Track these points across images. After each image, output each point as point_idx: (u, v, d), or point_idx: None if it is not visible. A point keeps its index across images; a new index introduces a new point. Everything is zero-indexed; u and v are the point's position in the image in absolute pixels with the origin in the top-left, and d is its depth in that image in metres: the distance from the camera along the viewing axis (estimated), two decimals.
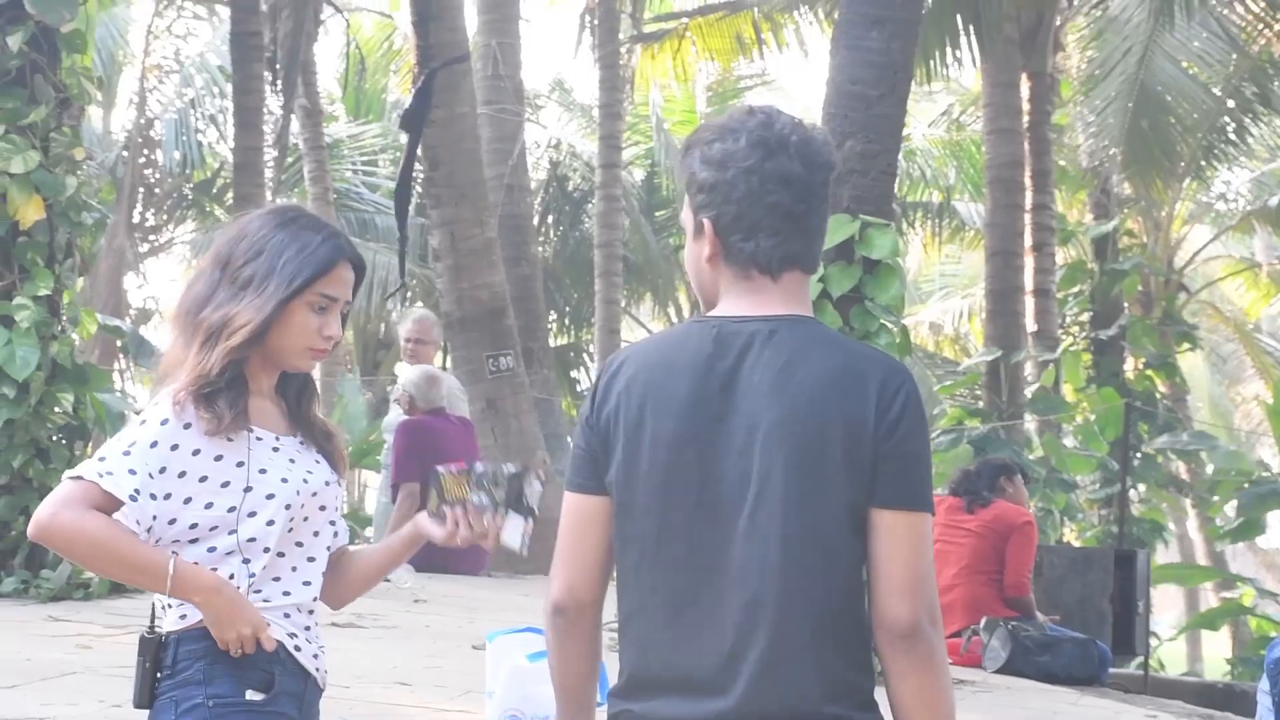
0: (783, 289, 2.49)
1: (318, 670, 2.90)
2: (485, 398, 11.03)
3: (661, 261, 23.21)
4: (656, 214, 23.61)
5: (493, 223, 11.79)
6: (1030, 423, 15.22)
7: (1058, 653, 8.27)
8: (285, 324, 2.84)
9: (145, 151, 20.92)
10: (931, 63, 14.20)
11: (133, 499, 2.74)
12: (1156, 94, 15.13)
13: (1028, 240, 15.30)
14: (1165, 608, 27.22)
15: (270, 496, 2.82)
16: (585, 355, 23.51)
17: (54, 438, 7.46)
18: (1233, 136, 16.25)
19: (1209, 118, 15.78)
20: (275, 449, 2.87)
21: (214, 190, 22.09)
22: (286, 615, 2.85)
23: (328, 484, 2.93)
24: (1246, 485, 14.16)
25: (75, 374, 7.52)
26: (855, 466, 2.39)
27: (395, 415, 9.83)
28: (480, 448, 10.03)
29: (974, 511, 8.49)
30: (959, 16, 13.99)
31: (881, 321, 6.87)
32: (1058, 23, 16.01)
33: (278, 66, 13.70)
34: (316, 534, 2.92)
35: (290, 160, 19.34)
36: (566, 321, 23.55)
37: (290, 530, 2.86)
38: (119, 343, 12.65)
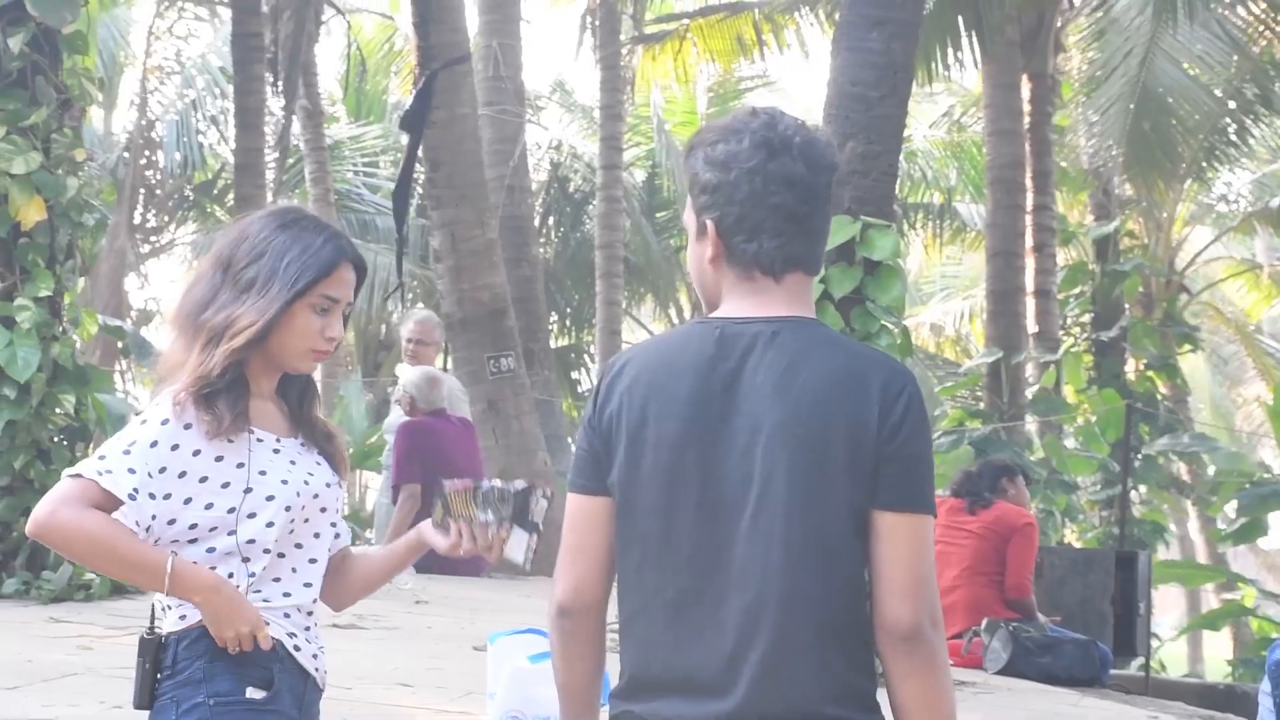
0: (785, 290, 2.49)
1: (317, 670, 2.90)
2: (486, 399, 11.03)
3: (662, 263, 23.21)
4: (657, 215, 23.61)
5: (494, 224, 11.79)
6: (1031, 424, 15.22)
7: (1059, 654, 8.27)
8: (287, 325, 2.85)
9: (146, 153, 20.93)
10: (933, 64, 14.21)
11: (131, 498, 2.74)
12: (1158, 95, 15.12)
13: (1029, 241, 15.31)
14: (1166, 609, 27.22)
15: (270, 498, 2.82)
16: (586, 356, 23.52)
17: (55, 439, 7.46)
18: (1234, 138, 16.24)
19: (1210, 119, 15.78)
20: (276, 451, 2.87)
21: (215, 191, 22.10)
22: (286, 615, 2.85)
23: (329, 486, 2.93)
24: (1247, 486, 14.15)
25: (76, 375, 7.52)
26: (857, 468, 2.39)
27: (396, 416, 9.83)
28: (481, 449, 10.02)
29: (975, 513, 8.49)
30: (960, 18, 13.99)
31: (882, 323, 6.86)
32: (1058, 24, 16.02)
33: (279, 68, 13.71)
34: (318, 535, 2.92)
35: (291, 161, 19.35)
36: (567, 323, 23.55)
37: (291, 532, 2.86)
38: (120, 344, 12.65)
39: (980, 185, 19.84)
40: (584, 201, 22.97)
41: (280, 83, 13.93)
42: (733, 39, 16.93)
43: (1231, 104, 16.01)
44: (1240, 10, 15.10)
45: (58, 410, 7.46)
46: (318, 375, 3.09)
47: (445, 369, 11.12)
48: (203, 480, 2.79)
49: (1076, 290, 16.56)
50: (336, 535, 2.97)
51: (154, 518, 2.76)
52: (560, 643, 2.54)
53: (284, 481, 2.84)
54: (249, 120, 13.54)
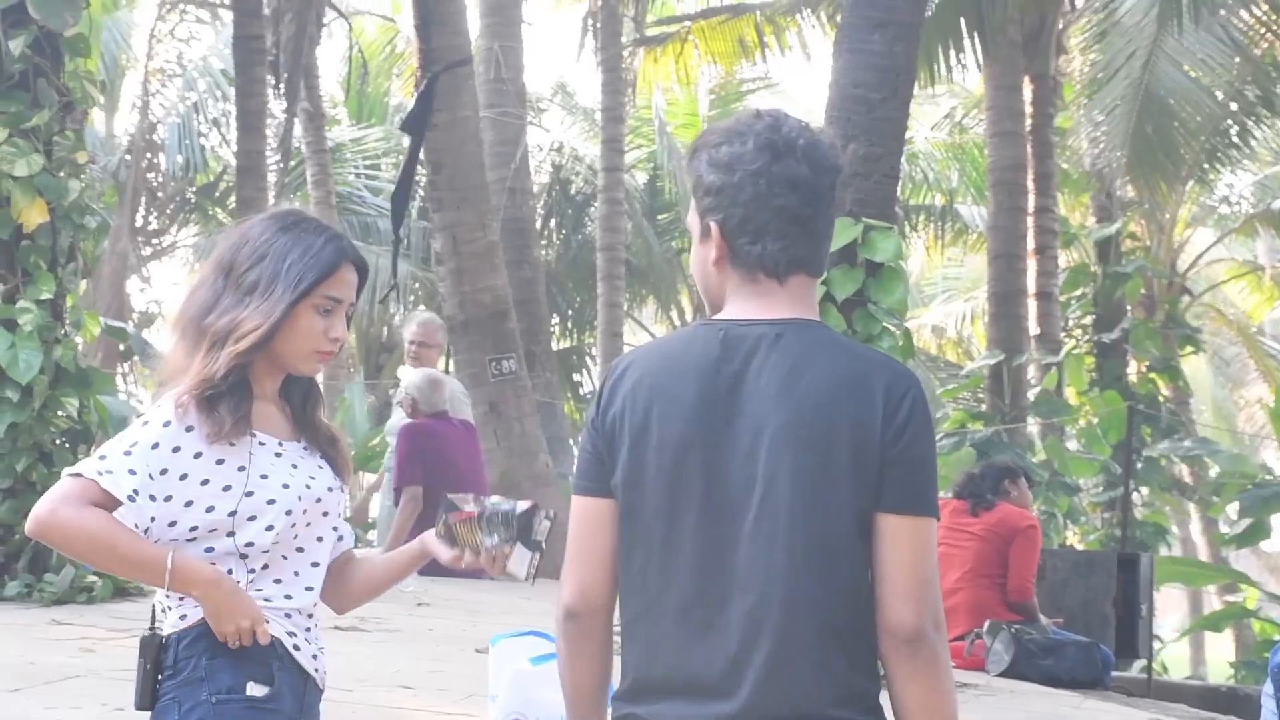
0: (789, 292, 2.49)
1: (317, 671, 2.90)
2: (488, 401, 11.03)
3: (664, 264, 23.21)
4: (659, 217, 23.61)
5: (495, 226, 11.80)
6: (1033, 426, 15.22)
7: (1061, 656, 8.26)
8: (291, 327, 2.84)
9: (148, 155, 20.94)
10: (934, 66, 14.22)
11: (131, 499, 2.74)
12: (1160, 98, 15.12)
13: (1030, 243, 15.32)
14: (1168, 611, 27.21)
15: (271, 502, 2.82)
16: (588, 358, 23.52)
17: (57, 441, 7.47)
18: (1236, 140, 16.24)
19: (1212, 121, 15.77)
20: (278, 454, 2.87)
21: (217, 194, 22.11)
22: (287, 616, 2.85)
23: (330, 490, 2.92)
24: (1250, 488, 14.14)
25: (79, 378, 7.52)
26: (861, 470, 2.38)
27: (398, 418, 9.83)
28: (483, 451, 10.02)
29: (978, 515, 8.49)
30: (962, 19, 14.00)
31: (884, 325, 6.86)
32: (1060, 26, 16.02)
33: (280, 70, 13.72)
34: (320, 539, 2.92)
35: (293, 164, 19.36)
36: (569, 325, 23.55)
37: (295, 537, 2.86)
38: (122, 346, 12.66)
39: (982, 187, 19.84)
40: (585, 204, 22.97)
41: (282, 85, 13.93)
42: (734, 41, 16.94)
43: (1233, 106, 16.01)
44: (1242, 13, 15.10)
45: (60, 413, 7.46)
46: (320, 378, 3.09)
47: (447, 371, 11.12)
48: (203, 483, 2.79)
49: (1078, 292, 16.56)
50: (339, 538, 2.97)
51: (153, 519, 2.76)
52: (567, 646, 2.53)
53: (285, 486, 2.84)
54: (251, 123, 13.54)
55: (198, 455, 2.79)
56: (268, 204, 13.52)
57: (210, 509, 2.79)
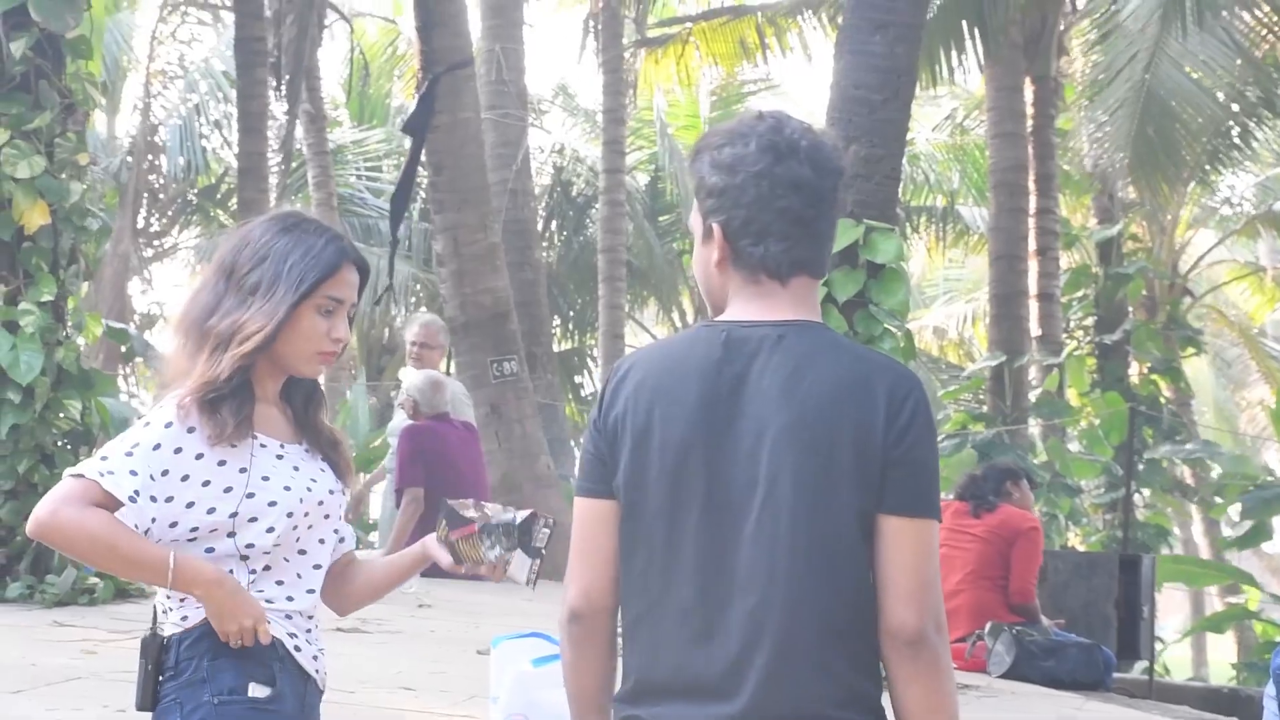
0: (791, 294, 2.49)
1: (317, 672, 2.91)
2: (489, 402, 11.03)
3: (665, 266, 23.21)
4: (660, 219, 23.61)
5: (496, 228, 11.80)
6: (1034, 427, 15.22)
7: (1062, 658, 8.26)
8: (293, 328, 2.85)
9: (150, 157, 20.94)
10: (936, 67, 14.22)
11: (132, 500, 2.74)
12: (1161, 99, 15.12)
13: (1032, 245, 15.31)
14: (1170, 612, 27.19)
15: (272, 504, 2.82)
16: (589, 360, 23.52)
17: (59, 443, 7.47)
18: (1237, 141, 16.23)
19: (1213, 122, 15.77)
20: (279, 456, 2.87)
21: (218, 195, 22.12)
22: (288, 617, 2.86)
23: (332, 492, 2.93)
24: (1252, 489, 14.14)
25: (80, 379, 7.52)
26: (863, 472, 2.38)
27: (400, 420, 9.83)
28: (484, 453, 10.02)
29: (980, 516, 8.49)
30: (963, 21, 14.00)
31: (886, 326, 6.86)
32: (1061, 27, 16.02)
33: (282, 72, 13.71)
34: (322, 541, 2.92)
35: (294, 165, 19.35)
36: (570, 326, 23.54)
37: (297, 540, 2.86)
38: (123, 348, 12.66)
39: (983, 188, 19.83)
40: (587, 205, 22.97)
41: (283, 87, 13.93)
42: (735, 42, 16.94)
43: (1235, 107, 16.00)
44: (1244, 14, 15.10)
45: (61, 414, 7.46)
46: (321, 380, 3.09)
47: (448, 373, 11.13)
48: (205, 484, 2.79)
49: (1080, 293, 16.56)
50: (340, 540, 2.98)
51: (154, 520, 2.76)
52: (571, 648, 2.53)
53: (286, 488, 2.84)
54: (252, 125, 13.54)
55: (199, 457, 2.79)
56: (269, 206, 13.52)
57: (211, 510, 2.79)
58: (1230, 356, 27.03)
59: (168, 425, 2.79)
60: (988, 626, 8.27)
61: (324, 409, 3.01)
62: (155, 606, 2.87)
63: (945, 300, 26.12)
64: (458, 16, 11.52)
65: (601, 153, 17.68)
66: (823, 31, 16.15)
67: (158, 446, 2.77)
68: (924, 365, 21.64)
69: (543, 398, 12.91)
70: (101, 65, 13.78)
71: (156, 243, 22.67)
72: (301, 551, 2.88)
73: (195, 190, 22.08)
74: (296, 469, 2.88)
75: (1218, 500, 16.18)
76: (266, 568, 2.84)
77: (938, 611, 2.40)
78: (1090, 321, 16.67)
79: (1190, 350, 17.68)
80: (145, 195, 21.17)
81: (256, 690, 2.78)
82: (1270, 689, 4.36)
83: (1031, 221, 15.28)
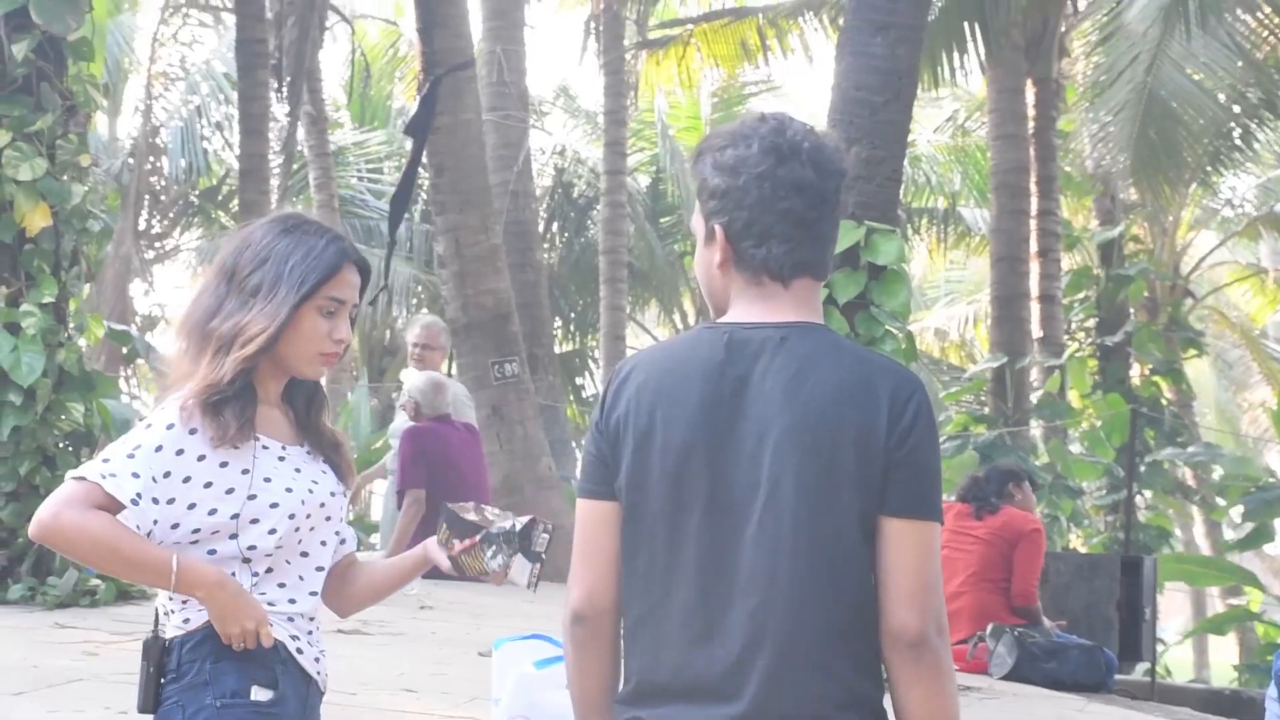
0: (793, 296, 2.49)
1: (319, 674, 2.91)
2: (490, 404, 11.02)
3: (666, 267, 23.21)
4: (661, 220, 23.61)
5: (497, 229, 11.79)
6: (1036, 429, 15.22)
7: (1064, 659, 8.26)
8: (295, 330, 2.84)
9: (151, 158, 20.96)
10: (937, 68, 14.22)
11: (134, 502, 2.73)
12: (1163, 101, 15.11)
13: (1033, 246, 15.31)
14: (1172, 614, 27.17)
15: (274, 506, 2.82)
16: (590, 362, 23.52)
17: (61, 445, 7.47)
18: (1239, 142, 16.22)
19: (1215, 124, 15.76)
20: (281, 458, 2.87)
21: (219, 197, 22.13)
22: (290, 619, 2.86)
23: (333, 494, 2.93)
24: (1253, 491, 14.13)
25: (82, 381, 7.53)
26: (866, 474, 2.38)
27: (401, 421, 9.83)
28: (485, 454, 10.02)
29: (982, 518, 8.48)
30: (965, 22, 13.99)
31: (887, 328, 6.86)
32: (1063, 29, 16.01)
33: (283, 74, 13.72)
34: (323, 543, 2.92)
35: (296, 167, 19.35)
36: (571, 328, 23.55)
37: (299, 541, 2.86)
38: (125, 350, 12.66)
39: (984, 190, 19.83)
40: (588, 207, 22.98)
41: (284, 89, 13.94)
42: (736, 44, 16.94)
43: (1236, 109, 16.00)
44: (1245, 16, 15.10)
45: (63, 416, 7.46)
46: (323, 381, 3.09)
47: (450, 374, 11.12)
48: (206, 486, 2.79)
49: (1081, 295, 16.55)
50: (342, 542, 2.98)
51: (155, 522, 2.76)
52: (575, 650, 2.54)
53: (288, 490, 2.84)
54: (253, 126, 13.55)
55: (201, 458, 2.79)
56: (270, 207, 13.53)
57: (213, 511, 2.79)
58: (1232, 358, 27.02)
59: (169, 427, 2.79)
60: (989, 628, 8.27)
61: (326, 411, 3.01)
62: (157, 609, 2.87)
63: (946, 302, 26.12)
64: (459, 18, 11.52)
65: (603, 154, 17.69)
66: (824, 33, 16.15)
67: (160, 448, 2.77)
68: (925, 367, 21.64)
69: (544, 399, 12.91)
70: (103, 67, 13.78)
71: (158, 244, 22.68)
72: (303, 553, 2.88)
73: (197, 192, 22.09)
74: (298, 471, 2.88)
75: (1219, 502, 16.18)
76: (269, 570, 2.84)
77: (939, 614, 2.40)
78: (1092, 323, 16.66)
79: (1192, 352, 17.67)
80: (147, 197, 21.18)
81: (259, 693, 2.78)
82: (1272, 691, 4.36)
83: (1033, 223, 15.27)
